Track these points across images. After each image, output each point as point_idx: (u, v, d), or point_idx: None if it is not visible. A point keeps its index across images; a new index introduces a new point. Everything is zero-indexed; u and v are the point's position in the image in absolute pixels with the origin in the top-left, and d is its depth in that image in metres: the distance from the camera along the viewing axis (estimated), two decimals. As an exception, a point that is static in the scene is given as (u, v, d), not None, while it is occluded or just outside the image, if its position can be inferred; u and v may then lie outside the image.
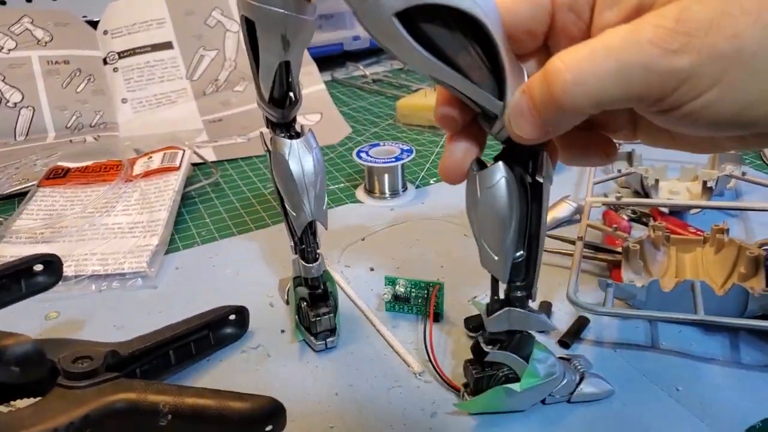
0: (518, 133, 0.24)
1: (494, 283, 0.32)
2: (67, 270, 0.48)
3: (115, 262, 0.49)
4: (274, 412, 0.32)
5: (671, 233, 0.46)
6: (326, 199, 0.39)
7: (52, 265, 0.37)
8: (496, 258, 0.29)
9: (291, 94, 0.35)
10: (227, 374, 0.39)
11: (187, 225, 0.56)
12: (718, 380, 0.37)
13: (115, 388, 0.32)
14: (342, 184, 0.63)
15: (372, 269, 0.49)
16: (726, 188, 0.55)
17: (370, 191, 0.60)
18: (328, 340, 0.40)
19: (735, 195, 0.56)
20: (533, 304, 0.32)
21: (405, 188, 0.60)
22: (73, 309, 0.46)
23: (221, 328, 0.41)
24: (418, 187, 0.62)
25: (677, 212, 0.52)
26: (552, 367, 0.34)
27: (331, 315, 0.40)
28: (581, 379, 0.35)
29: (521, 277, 0.31)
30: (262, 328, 0.43)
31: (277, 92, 0.34)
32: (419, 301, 0.43)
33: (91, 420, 0.31)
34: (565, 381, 0.35)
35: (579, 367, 0.36)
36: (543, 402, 0.35)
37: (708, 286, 0.37)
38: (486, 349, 0.34)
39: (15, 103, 0.75)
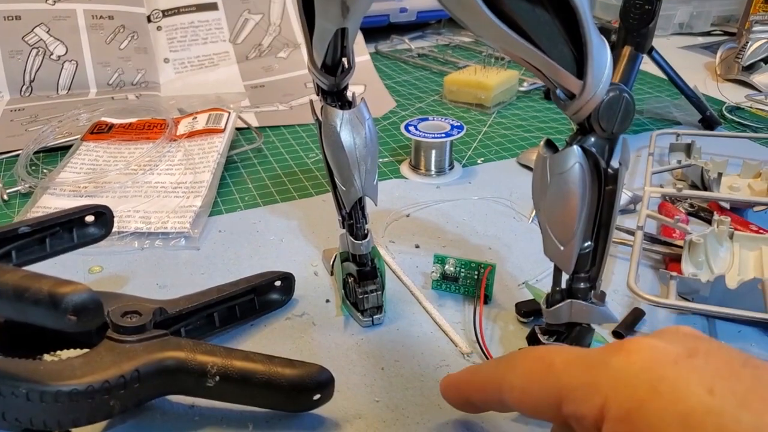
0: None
1: (557, 273, 0.30)
2: (111, 225, 0.48)
3: (159, 220, 0.49)
4: (324, 381, 0.32)
5: (735, 229, 0.44)
6: (377, 173, 0.38)
7: (104, 216, 0.36)
8: (562, 248, 0.27)
9: (344, 60, 0.34)
10: (271, 340, 0.39)
11: (229, 189, 0.55)
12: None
13: (164, 346, 0.32)
14: (386, 159, 0.62)
15: (417, 246, 0.48)
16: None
17: (415, 167, 0.59)
18: (375, 317, 0.39)
19: (798, 195, 0.53)
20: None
21: (452, 166, 0.59)
22: (116, 264, 0.45)
23: (267, 293, 0.41)
24: (464, 166, 0.60)
25: (738, 209, 0.50)
26: None
27: (379, 292, 0.39)
28: None
29: (586, 268, 0.29)
30: (307, 296, 0.42)
31: (330, 59, 0.33)
32: (468, 282, 0.41)
33: (141, 375, 0.30)
34: None
35: None
36: None
37: (778, 285, 0.36)
38: (543, 340, 0.32)
39: (59, 56, 0.75)
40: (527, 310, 0.39)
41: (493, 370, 0.25)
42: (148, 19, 0.81)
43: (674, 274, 0.38)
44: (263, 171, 0.59)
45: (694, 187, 0.53)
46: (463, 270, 0.41)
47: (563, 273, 0.30)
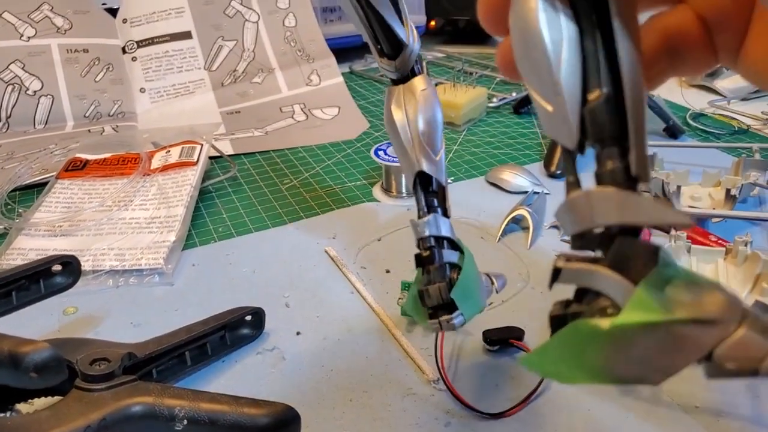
0: None
1: (567, 157, 0.19)
2: (85, 264, 0.49)
3: (133, 257, 0.49)
4: (289, 419, 0.33)
5: (692, 242, 0.45)
6: (442, 149, 0.33)
7: (71, 265, 0.37)
8: (550, 109, 0.18)
9: (398, 40, 0.32)
10: (242, 376, 0.40)
11: (204, 220, 0.56)
12: (736, 399, 0.36)
13: (132, 392, 0.33)
14: (359, 182, 0.62)
15: (388, 271, 0.49)
16: (750, 195, 0.53)
17: (387, 190, 0.60)
18: (441, 319, 0.31)
19: (758, 203, 0.55)
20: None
21: (422, 187, 0.60)
22: (91, 304, 0.46)
23: (237, 329, 0.42)
24: (435, 186, 0.61)
25: (699, 220, 0.51)
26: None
27: (443, 284, 0.31)
28: None
29: (607, 133, 0.17)
30: (278, 329, 0.43)
31: (384, 44, 0.32)
32: (435, 307, 0.42)
33: (108, 423, 0.31)
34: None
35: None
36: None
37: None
38: (559, 265, 0.19)
39: (35, 92, 0.76)
40: (494, 339, 0.40)
41: None
42: (123, 51, 0.81)
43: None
44: (237, 200, 0.60)
45: (656, 199, 0.54)
46: (429, 296, 0.42)
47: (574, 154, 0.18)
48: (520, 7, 0.17)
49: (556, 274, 0.18)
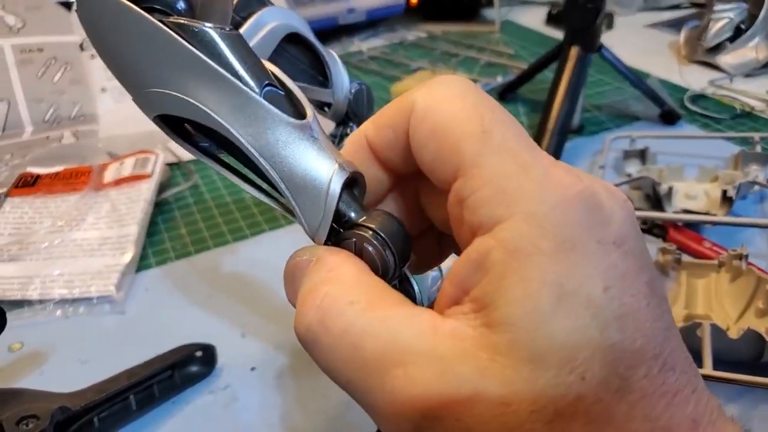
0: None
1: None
2: (33, 293, 0.46)
3: (83, 284, 0.46)
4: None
5: (684, 250, 0.41)
6: None
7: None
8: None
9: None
10: (192, 419, 0.37)
11: (161, 236, 0.53)
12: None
13: (58, 457, 0.30)
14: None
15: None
16: (750, 192, 0.49)
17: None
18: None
19: (759, 198, 0.50)
20: None
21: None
22: (38, 338, 0.43)
23: (186, 367, 0.39)
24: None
25: (692, 223, 0.47)
26: None
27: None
28: None
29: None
30: (232, 365, 0.40)
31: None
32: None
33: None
34: None
35: None
36: None
37: (718, 329, 0.33)
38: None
39: (-11, 97, 0.71)
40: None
41: None
42: (81, 48, 0.77)
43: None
44: (198, 211, 0.56)
45: (647, 197, 0.50)
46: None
47: None
48: None
49: None
